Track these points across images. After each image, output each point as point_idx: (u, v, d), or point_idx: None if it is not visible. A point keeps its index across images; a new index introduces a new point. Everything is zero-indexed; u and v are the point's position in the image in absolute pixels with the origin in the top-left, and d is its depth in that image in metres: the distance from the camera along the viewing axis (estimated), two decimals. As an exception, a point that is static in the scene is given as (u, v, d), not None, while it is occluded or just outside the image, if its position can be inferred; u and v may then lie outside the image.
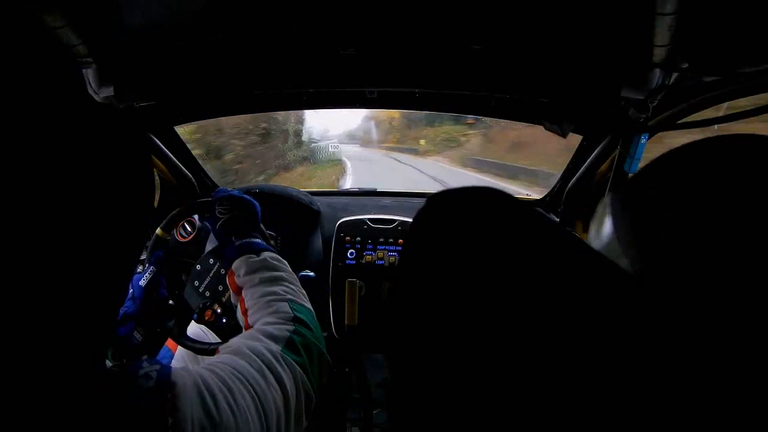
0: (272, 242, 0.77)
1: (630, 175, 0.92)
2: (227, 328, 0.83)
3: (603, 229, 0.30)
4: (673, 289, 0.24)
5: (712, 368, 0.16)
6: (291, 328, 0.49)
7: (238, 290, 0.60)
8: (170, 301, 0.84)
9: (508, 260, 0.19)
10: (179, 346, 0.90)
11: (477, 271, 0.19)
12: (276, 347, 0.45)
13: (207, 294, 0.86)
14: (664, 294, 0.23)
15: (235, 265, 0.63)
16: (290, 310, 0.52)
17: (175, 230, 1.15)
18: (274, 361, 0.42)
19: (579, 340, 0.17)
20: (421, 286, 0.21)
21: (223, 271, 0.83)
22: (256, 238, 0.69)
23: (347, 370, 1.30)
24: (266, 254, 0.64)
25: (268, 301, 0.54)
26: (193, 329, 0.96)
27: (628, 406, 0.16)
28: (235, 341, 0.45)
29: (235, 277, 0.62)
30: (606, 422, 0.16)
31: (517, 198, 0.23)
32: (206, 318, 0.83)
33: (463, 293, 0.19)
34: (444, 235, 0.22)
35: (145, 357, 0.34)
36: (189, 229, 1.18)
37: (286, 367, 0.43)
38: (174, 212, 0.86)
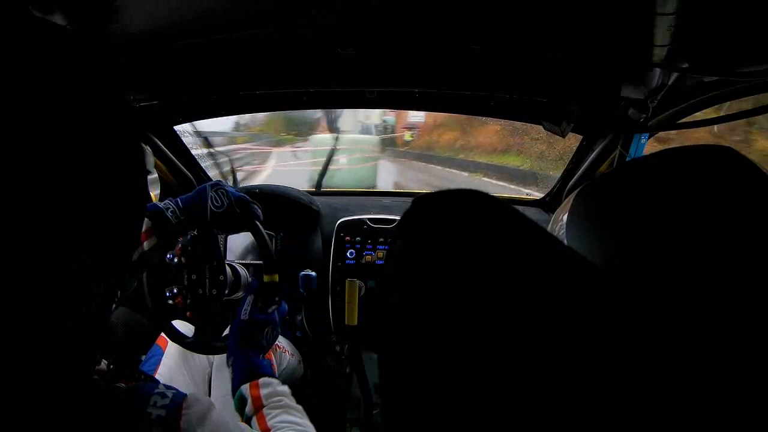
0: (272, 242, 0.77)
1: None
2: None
3: (560, 220, 0.33)
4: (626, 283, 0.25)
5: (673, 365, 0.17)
6: None
7: (261, 406, 0.64)
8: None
9: (490, 261, 0.20)
10: (170, 343, 0.90)
11: (458, 272, 0.20)
12: None
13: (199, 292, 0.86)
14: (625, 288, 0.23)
15: (262, 381, 0.65)
16: None
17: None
18: None
19: (556, 335, 0.17)
20: (405, 288, 0.22)
21: (215, 263, 0.85)
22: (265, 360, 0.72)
23: (347, 370, 1.30)
24: (276, 383, 0.67)
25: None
26: (187, 327, 0.96)
27: (609, 403, 0.16)
28: None
29: (261, 393, 0.64)
30: (588, 420, 0.16)
31: (499, 199, 0.23)
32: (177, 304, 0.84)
33: (446, 294, 0.19)
34: (428, 236, 0.22)
35: (159, 386, 0.35)
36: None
37: None
38: None
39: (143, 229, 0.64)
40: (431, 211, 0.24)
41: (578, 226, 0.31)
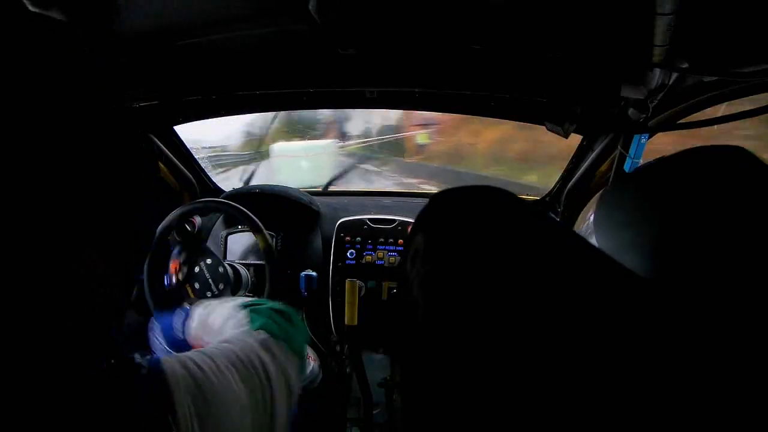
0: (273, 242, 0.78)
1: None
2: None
3: (587, 221, 0.33)
4: (663, 284, 0.24)
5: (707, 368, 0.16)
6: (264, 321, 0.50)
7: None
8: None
9: (514, 258, 0.19)
10: None
11: (483, 270, 0.19)
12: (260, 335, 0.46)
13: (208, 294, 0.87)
14: (660, 291, 0.23)
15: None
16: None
17: (175, 230, 1.15)
18: (257, 346, 0.44)
19: (587, 336, 0.17)
20: (425, 286, 0.21)
21: (209, 261, 0.84)
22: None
23: (347, 370, 1.30)
24: None
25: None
26: None
27: (636, 406, 0.16)
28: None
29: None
30: (615, 424, 0.16)
31: (519, 197, 0.23)
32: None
33: (470, 292, 0.19)
34: (448, 233, 0.22)
35: (136, 352, 0.35)
36: (189, 229, 1.18)
37: (270, 352, 0.45)
38: (175, 212, 0.86)
39: None
40: (451, 206, 0.24)
41: (609, 217, 0.31)
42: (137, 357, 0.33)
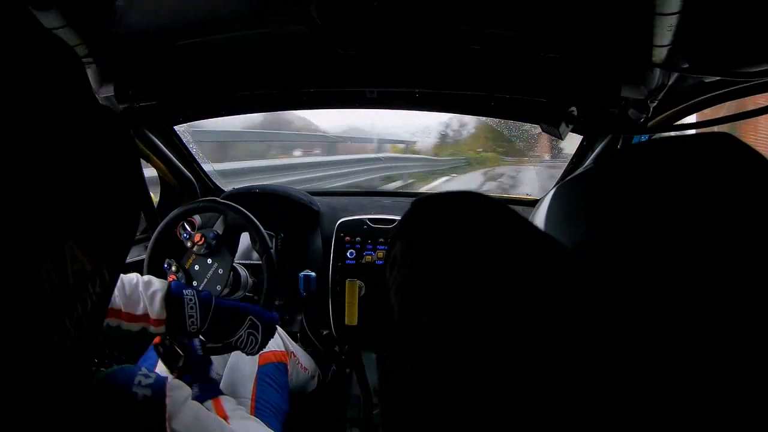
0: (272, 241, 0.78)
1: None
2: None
3: (540, 207, 0.34)
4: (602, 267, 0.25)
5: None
6: None
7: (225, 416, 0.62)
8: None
9: (486, 268, 0.20)
10: None
11: (459, 271, 0.20)
12: None
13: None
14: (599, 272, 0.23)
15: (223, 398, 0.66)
16: None
17: (175, 230, 1.15)
18: None
19: (548, 339, 0.17)
20: (399, 294, 0.22)
21: (221, 271, 0.85)
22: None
23: (347, 370, 1.30)
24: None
25: None
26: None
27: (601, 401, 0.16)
28: None
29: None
30: (601, 421, 0.16)
31: (497, 201, 0.24)
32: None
33: (447, 293, 0.19)
34: (423, 242, 0.22)
35: (140, 368, 0.34)
36: (189, 229, 1.18)
37: None
38: (175, 212, 0.86)
39: (155, 316, 0.62)
40: (430, 213, 0.24)
41: (556, 216, 0.31)
42: (141, 378, 0.32)
